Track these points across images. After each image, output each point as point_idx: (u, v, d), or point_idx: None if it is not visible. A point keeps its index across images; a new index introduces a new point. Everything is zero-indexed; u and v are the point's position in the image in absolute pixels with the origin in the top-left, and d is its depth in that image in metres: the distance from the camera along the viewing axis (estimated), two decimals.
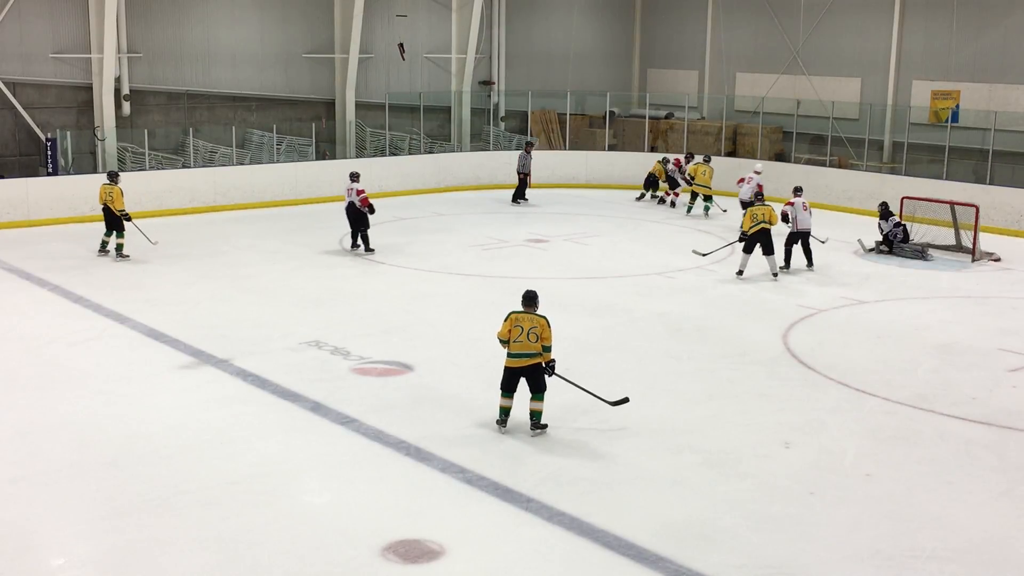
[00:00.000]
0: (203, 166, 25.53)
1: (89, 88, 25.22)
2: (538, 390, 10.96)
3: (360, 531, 8.82)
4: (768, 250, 18.21)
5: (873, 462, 10.51)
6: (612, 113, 31.86)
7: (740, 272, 18.33)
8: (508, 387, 11.03)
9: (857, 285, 18.05)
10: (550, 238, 21.70)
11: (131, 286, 17.22)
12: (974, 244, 20.18)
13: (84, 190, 22.94)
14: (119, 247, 19.01)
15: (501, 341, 10.99)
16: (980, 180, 24.20)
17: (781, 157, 28.88)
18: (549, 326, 10.89)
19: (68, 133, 24.50)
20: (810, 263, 19.02)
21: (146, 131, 25.01)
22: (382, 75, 30.37)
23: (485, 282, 17.84)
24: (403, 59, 30.23)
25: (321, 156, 27.86)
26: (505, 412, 11.10)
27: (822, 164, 27.41)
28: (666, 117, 31.54)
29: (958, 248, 20.62)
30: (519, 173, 26.43)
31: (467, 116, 31.48)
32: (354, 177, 20.20)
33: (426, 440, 10.78)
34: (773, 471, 10.24)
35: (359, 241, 20.09)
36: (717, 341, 14.61)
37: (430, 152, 29.67)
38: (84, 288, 16.94)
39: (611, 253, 20.50)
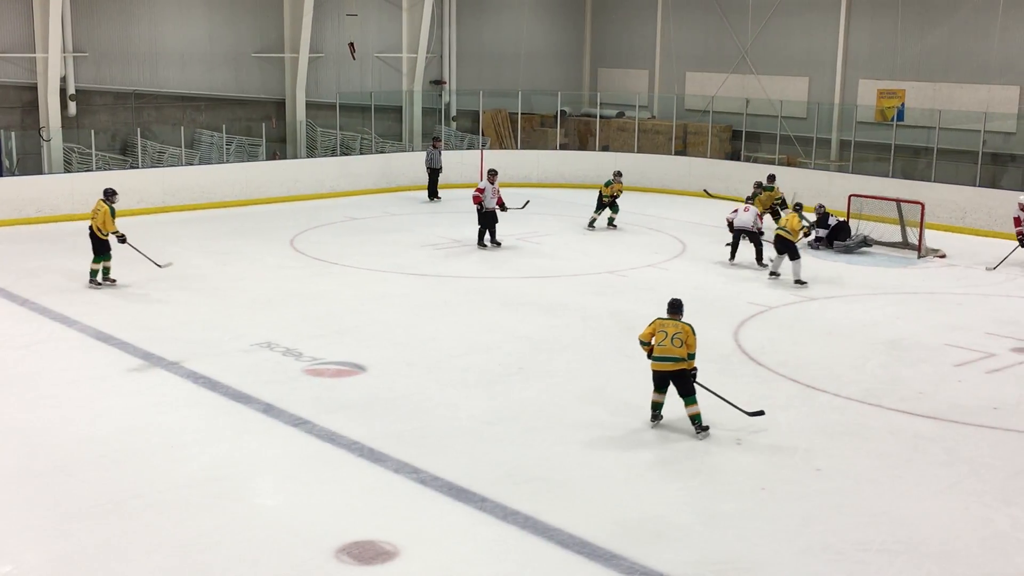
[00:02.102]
0: (151, 167, 25.25)
1: (34, 88, 24.83)
2: (687, 393, 11.05)
3: (314, 533, 8.78)
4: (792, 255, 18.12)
5: (823, 457, 10.64)
6: (563, 112, 31.97)
7: (774, 273, 18.38)
8: (659, 387, 11.24)
9: (807, 282, 18.23)
10: (502, 238, 21.70)
11: (78, 289, 17.00)
12: (920, 241, 20.48)
13: (29, 192, 22.68)
14: (106, 271, 17.30)
15: (642, 343, 11.27)
16: (925, 178, 24.55)
17: (731, 156, 29.15)
18: (694, 334, 11.06)
19: (12, 134, 24.12)
20: (759, 259, 19.24)
21: (93, 131, 24.69)
22: (332, 75, 30.22)
23: (438, 282, 17.82)
24: (354, 59, 30.09)
25: (271, 156, 27.67)
26: (657, 407, 11.33)
27: (771, 163, 27.66)
28: (617, 116, 31.68)
29: (904, 245, 20.93)
30: (428, 168, 26.63)
31: (418, 116, 31.41)
32: (493, 176, 20.84)
33: (379, 441, 10.75)
34: (725, 468, 10.33)
35: (486, 239, 20.71)
36: None
37: (381, 152, 29.57)
38: (30, 291, 16.70)
39: (564, 252, 20.56)
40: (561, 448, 10.76)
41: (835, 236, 20.89)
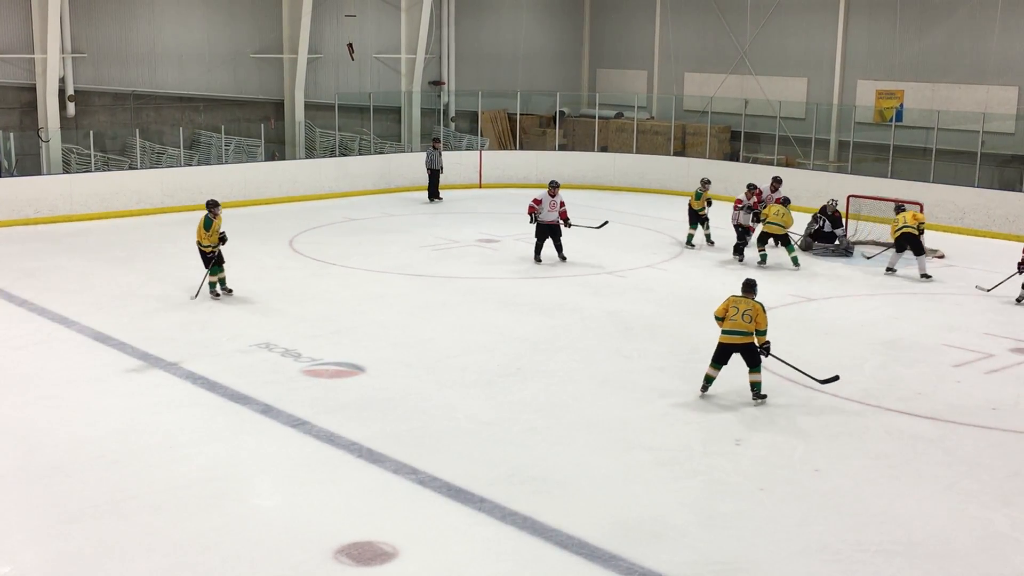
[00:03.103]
0: (150, 168, 25.25)
1: (33, 89, 24.83)
2: (754, 364, 12.05)
3: (312, 534, 8.78)
4: (918, 250, 18.67)
5: (821, 458, 10.64)
6: (562, 113, 31.98)
7: (892, 269, 18.96)
8: (719, 360, 12.15)
9: (805, 282, 18.25)
10: (501, 238, 21.71)
11: (77, 289, 16.99)
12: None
13: (27, 192, 22.67)
14: (222, 282, 16.65)
15: (716, 318, 12.19)
16: (924, 178, 24.57)
17: (730, 156, 29.16)
18: (764, 312, 11.99)
19: (11, 135, 24.10)
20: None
21: (91, 132, 24.70)
22: (331, 75, 30.22)
23: (436, 282, 17.82)
24: (352, 59, 30.09)
25: (270, 157, 27.68)
26: (709, 380, 12.21)
27: (769, 163, 27.68)
28: (616, 117, 31.69)
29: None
30: (428, 169, 26.55)
31: (417, 116, 31.42)
32: (555, 188, 19.36)
33: (378, 441, 10.75)
34: (723, 468, 10.33)
35: (543, 254, 19.38)
36: (667, 339, 14.71)
37: (380, 153, 29.57)
38: (28, 291, 16.69)
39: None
40: (559, 448, 10.76)
41: (820, 237, 20.77)
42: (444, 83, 32.53)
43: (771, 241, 19.27)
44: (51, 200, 22.86)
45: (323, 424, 11.22)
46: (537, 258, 19.30)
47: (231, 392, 12.21)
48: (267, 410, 11.65)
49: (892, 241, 19.02)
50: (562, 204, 19.29)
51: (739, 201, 20.11)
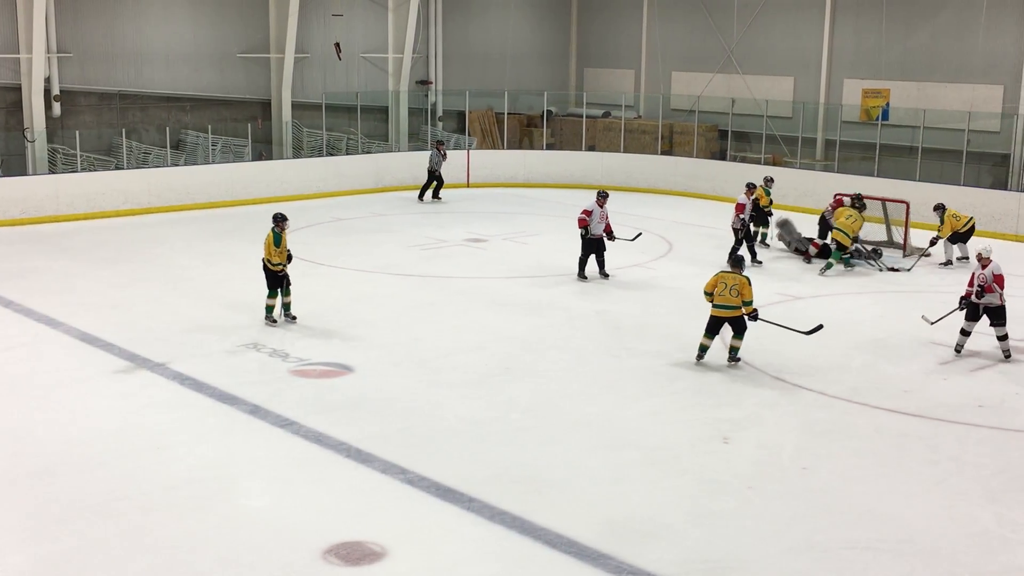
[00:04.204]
0: (136, 168, 25.18)
1: (18, 89, 24.72)
2: (739, 332, 13.18)
3: (301, 534, 8.77)
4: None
5: (810, 456, 10.68)
6: (549, 112, 31.99)
7: (949, 262, 19.76)
8: (711, 330, 13.28)
9: (792, 281, 18.30)
10: (489, 237, 21.72)
11: (64, 290, 16.94)
12: (905, 240, 20.57)
13: (13, 193, 22.58)
14: (285, 306, 15.07)
15: (705, 293, 13.22)
16: (910, 177, 24.65)
17: (717, 155, 29.23)
18: (750, 284, 13.05)
19: None
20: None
21: (77, 132, 24.60)
22: (318, 75, 30.17)
23: (425, 282, 17.81)
24: (339, 59, 30.04)
25: (257, 157, 27.61)
26: (704, 349, 13.34)
27: (757, 162, 27.74)
28: (603, 116, 31.72)
29: (889, 244, 20.99)
30: (431, 171, 26.40)
31: (404, 116, 31.38)
32: (603, 199, 18.01)
33: (367, 441, 10.75)
34: (712, 466, 10.36)
35: (589, 271, 18.12)
36: (656, 338, 14.73)
37: (368, 152, 29.54)
38: (14, 292, 16.62)
39: (550, 252, 20.56)
40: (549, 448, 10.77)
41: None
42: (431, 83, 32.51)
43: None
44: (37, 200, 22.77)
45: (312, 424, 11.20)
46: (582, 274, 18.01)
47: (219, 393, 12.18)
48: (255, 411, 11.63)
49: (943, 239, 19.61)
50: (606, 217, 17.99)
51: (740, 207, 19.46)
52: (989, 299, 13.68)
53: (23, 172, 24.16)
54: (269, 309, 14.96)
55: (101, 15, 26.17)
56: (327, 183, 27.13)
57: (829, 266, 18.92)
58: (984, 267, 13.74)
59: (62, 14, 25.36)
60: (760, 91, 29.65)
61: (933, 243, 19.74)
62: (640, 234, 20.23)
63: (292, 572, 8.20)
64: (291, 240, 21.13)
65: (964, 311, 13.93)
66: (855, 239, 19.12)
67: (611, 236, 18.12)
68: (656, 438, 11.09)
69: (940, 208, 19.79)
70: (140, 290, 17.00)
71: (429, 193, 26.54)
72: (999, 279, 13.70)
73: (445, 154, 26.85)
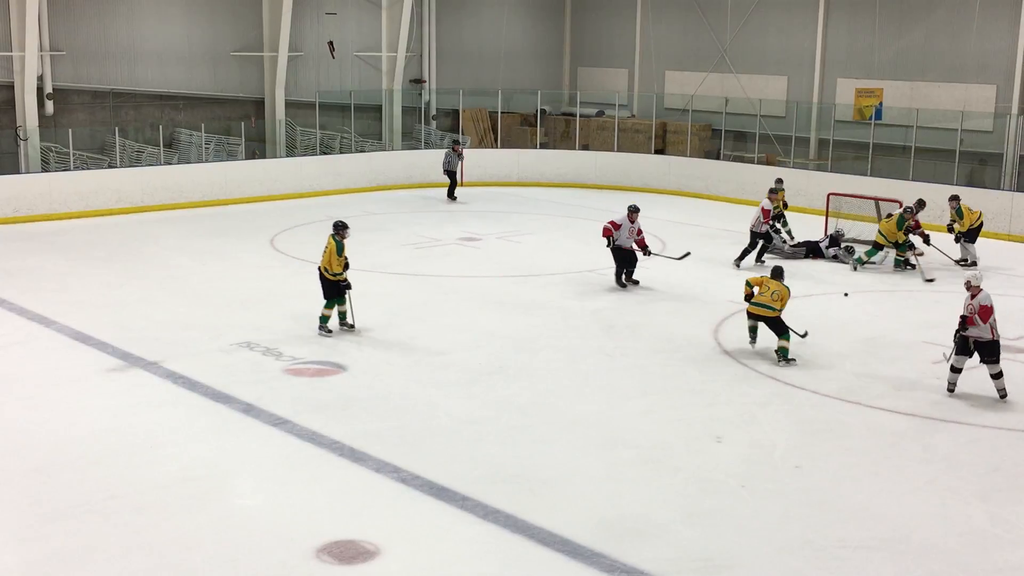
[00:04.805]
0: (130, 166, 25.14)
1: (10, 87, 24.66)
2: (781, 333, 13.66)
3: (294, 533, 8.76)
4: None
5: (802, 455, 10.69)
6: (543, 111, 31.98)
7: (965, 260, 19.60)
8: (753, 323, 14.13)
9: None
10: (482, 236, 21.72)
11: (56, 288, 16.91)
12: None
13: (6, 191, 22.52)
14: (341, 316, 14.65)
15: (747, 283, 14.08)
16: (903, 176, 24.69)
17: (710, 155, 29.25)
18: (790, 295, 13.91)
19: None
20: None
21: (70, 131, 24.53)
22: (312, 73, 30.14)
23: (418, 281, 17.80)
24: (333, 57, 30.02)
25: (251, 155, 27.57)
26: (754, 331, 14.16)
27: (750, 161, 27.77)
28: (597, 115, 31.72)
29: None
30: (446, 171, 26.45)
31: (398, 114, 31.37)
32: (635, 214, 17.60)
33: (360, 440, 10.74)
34: (705, 465, 10.37)
35: (623, 278, 17.65)
36: (649, 337, 14.75)
37: (361, 151, 29.52)
38: (7, 291, 16.58)
39: (543, 251, 20.58)
40: (542, 447, 10.77)
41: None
42: (425, 81, 32.50)
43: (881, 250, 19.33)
44: (30, 199, 22.73)
45: (305, 423, 11.20)
46: (620, 282, 17.59)
47: (212, 391, 12.17)
48: (249, 409, 11.62)
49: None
50: (639, 232, 17.66)
51: (767, 212, 19.33)
52: (978, 332, 12.18)
53: (16, 170, 24.09)
54: (324, 319, 14.48)
55: (94, 13, 26.12)
56: (320, 182, 27.10)
57: (860, 261, 19.33)
58: (973, 296, 12.23)
59: (55, 12, 25.30)
60: (754, 90, 29.68)
61: (951, 231, 19.71)
62: (688, 253, 18.95)
63: (285, 571, 8.20)
64: (284, 239, 21.27)
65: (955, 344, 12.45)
66: (895, 244, 19.09)
67: (646, 251, 17.79)
68: (649, 437, 11.09)
69: (955, 199, 19.66)
70: (133, 289, 16.97)
71: (456, 192, 26.59)
72: (985, 311, 12.09)
73: (462, 154, 26.77)
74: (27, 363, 13.24)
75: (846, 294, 17.14)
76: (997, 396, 12.37)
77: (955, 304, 16.80)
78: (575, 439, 10.98)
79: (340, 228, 14.48)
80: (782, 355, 13.57)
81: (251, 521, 9.06)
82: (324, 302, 14.46)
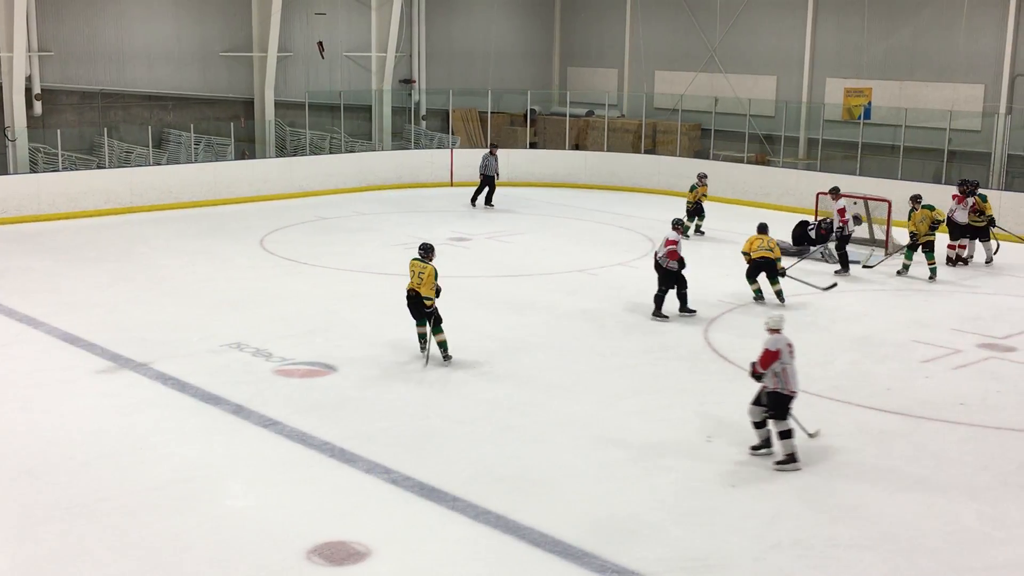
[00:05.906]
0: (118, 167, 25.06)
1: None
2: (775, 279, 16.41)
3: (285, 534, 8.75)
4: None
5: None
6: (533, 111, 31.99)
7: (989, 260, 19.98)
8: (752, 274, 16.65)
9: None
10: (472, 236, 21.71)
11: (45, 289, 16.85)
12: (887, 238, 20.64)
13: None
14: (442, 345, 13.38)
15: (743, 253, 16.58)
16: (892, 175, 24.76)
17: (700, 154, 29.30)
18: (776, 244, 16.52)
19: None
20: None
21: (59, 131, 24.46)
22: (301, 74, 30.11)
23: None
24: (323, 58, 29.98)
25: (240, 156, 27.53)
26: (758, 292, 16.67)
27: (739, 161, 27.82)
28: (587, 115, 31.75)
29: (871, 242, 21.08)
30: (483, 175, 25.59)
31: (388, 115, 31.34)
32: (678, 227, 16.21)
33: (350, 441, 10.73)
34: (696, 465, 10.38)
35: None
36: (640, 337, 14.76)
37: (351, 151, 29.49)
38: None
39: (534, 251, 20.58)
40: (533, 447, 10.78)
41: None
42: (415, 81, 32.48)
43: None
44: (18, 200, 22.65)
45: (295, 424, 11.18)
46: (684, 309, 15.87)
47: (202, 393, 12.15)
48: (239, 410, 11.60)
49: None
50: (670, 243, 15.68)
51: (842, 211, 19.02)
52: (766, 381, 10.30)
53: (4, 171, 24.01)
54: (422, 336, 13.53)
55: (83, 13, 26.03)
56: (310, 182, 27.07)
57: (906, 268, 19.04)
58: (771, 333, 10.43)
59: (43, 12, 25.21)
60: (743, 90, 29.74)
61: (989, 223, 19.82)
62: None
63: (276, 572, 8.18)
64: (274, 239, 21.24)
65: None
66: (915, 236, 18.66)
67: (680, 264, 15.65)
68: (640, 437, 11.10)
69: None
70: (122, 290, 16.93)
71: (482, 198, 25.60)
72: (767, 357, 10.25)
73: (497, 156, 25.98)
74: (15, 364, 13.19)
75: (827, 288, 17.38)
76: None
77: (944, 304, 16.92)
78: (566, 439, 10.99)
79: (430, 251, 13.47)
80: (780, 296, 16.43)
81: (242, 522, 9.04)
82: (416, 322, 13.50)
